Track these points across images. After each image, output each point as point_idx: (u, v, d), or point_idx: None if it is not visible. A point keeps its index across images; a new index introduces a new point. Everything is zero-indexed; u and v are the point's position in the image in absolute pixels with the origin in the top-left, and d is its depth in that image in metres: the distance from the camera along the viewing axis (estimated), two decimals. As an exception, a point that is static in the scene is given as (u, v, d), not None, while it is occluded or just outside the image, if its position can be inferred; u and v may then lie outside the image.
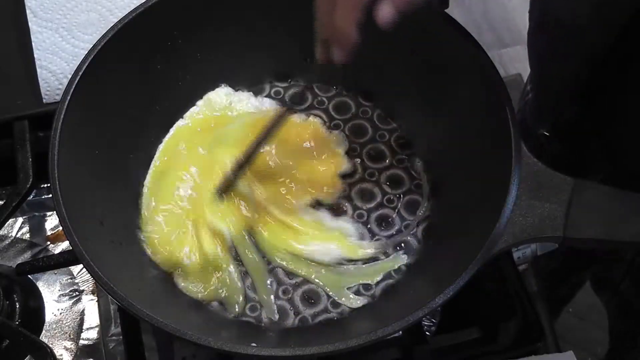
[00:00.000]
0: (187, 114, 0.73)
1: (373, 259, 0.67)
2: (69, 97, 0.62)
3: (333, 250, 0.66)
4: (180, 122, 0.73)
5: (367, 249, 0.67)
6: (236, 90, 0.75)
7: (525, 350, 0.68)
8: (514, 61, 1.70)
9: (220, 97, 0.74)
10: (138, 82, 0.69)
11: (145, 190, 0.69)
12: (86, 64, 0.63)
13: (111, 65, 0.65)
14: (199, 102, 0.73)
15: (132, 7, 0.67)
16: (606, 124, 0.71)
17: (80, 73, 0.63)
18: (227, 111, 0.73)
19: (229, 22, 0.71)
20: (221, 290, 0.64)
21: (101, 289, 0.72)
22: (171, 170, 0.70)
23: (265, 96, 0.75)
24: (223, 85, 0.74)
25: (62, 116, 0.61)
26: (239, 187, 0.67)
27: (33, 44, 0.80)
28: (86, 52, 0.64)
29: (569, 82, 0.71)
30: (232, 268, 0.65)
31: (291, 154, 0.70)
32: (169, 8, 0.68)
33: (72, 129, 0.62)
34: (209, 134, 0.72)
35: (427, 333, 0.71)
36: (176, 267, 0.65)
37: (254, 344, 0.54)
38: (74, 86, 0.62)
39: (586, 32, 0.64)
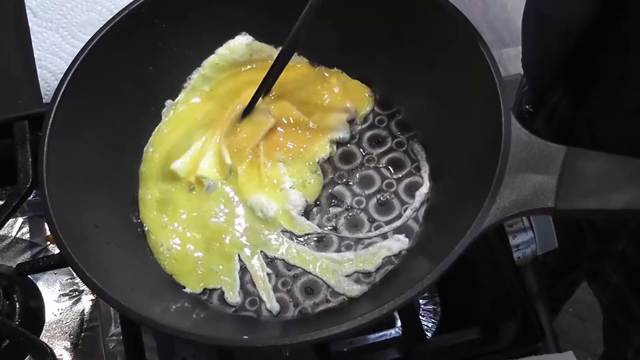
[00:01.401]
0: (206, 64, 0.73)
1: (372, 243, 0.66)
2: (58, 99, 0.62)
3: (270, 208, 0.66)
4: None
5: (303, 224, 0.67)
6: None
7: (525, 350, 0.68)
8: (514, 61, 1.70)
9: (241, 46, 0.74)
10: (131, 82, 0.69)
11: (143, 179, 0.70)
12: (75, 65, 0.64)
13: (102, 66, 0.65)
14: (219, 50, 0.73)
15: (132, 7, 0.67)
16: (593, 114, 0.72)
17: (70, 74, 0.63)
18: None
19: (221, 20, 0.71)
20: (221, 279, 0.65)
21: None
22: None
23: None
24: (244, 33, 0.73)
25: (51, 117, 0.61)
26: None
27: (33, 44, 0.80)
28: (85, 52, 0.64)
29: (552, 62, 0.72)
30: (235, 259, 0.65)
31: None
32: (159, 7, 0.68)
33: (64, 131, 0.62)
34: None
35: (427, 333, 0.71)
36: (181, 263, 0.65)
37: (245, 337, 0.54)
38: (64, 87, 0.63)
39: (565, 12, 0.65)
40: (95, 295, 0.72)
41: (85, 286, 0.73)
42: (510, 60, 1.73)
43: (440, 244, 0.61)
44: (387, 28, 0.70)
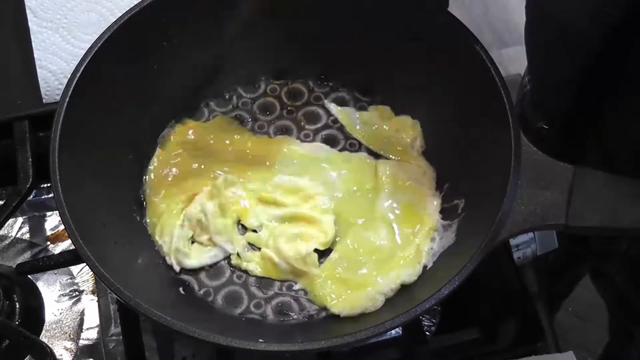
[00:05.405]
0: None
1: None
2: (67, 99, 0.62)
3: None
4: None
5: None
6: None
7: (525, 350, 0.68)
8: (514, 61, 1.69)
9: None
10: (136, 82, 0.69)
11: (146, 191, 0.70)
12: (84, 65, 0.64)
13: (108, 66, 0.65)
14: None
15: (132, 7, 0.67)
16: (601, 122, 0.71)
17: (78, 74, 0.63)
18: None
19: (225, 20, 0.71)
20: None
21: (101, 289, 0.72)
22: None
23: (261, 93, 0.75)
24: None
25: (61, 118, 0.61)
26: None
27: (33, 44, 0.80)
28: (86, 52, 0.64)
29: (562, 76, 0.72)
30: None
31: None
32: (164, 8, 0.68)
33: (72, 130, 0.62)
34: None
35: (427, 333, 0.71)
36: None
37: (261, 340, 0.54)
38: (72, 87, 0.63)
39: (578, 30, 0.64)
40: (95, 295, 0.72)
41: (85, 286, 0.73)
42: (510, 60, 1.72)
43: (448, 256, 0.62)
44: (396, 38, 0.69)
